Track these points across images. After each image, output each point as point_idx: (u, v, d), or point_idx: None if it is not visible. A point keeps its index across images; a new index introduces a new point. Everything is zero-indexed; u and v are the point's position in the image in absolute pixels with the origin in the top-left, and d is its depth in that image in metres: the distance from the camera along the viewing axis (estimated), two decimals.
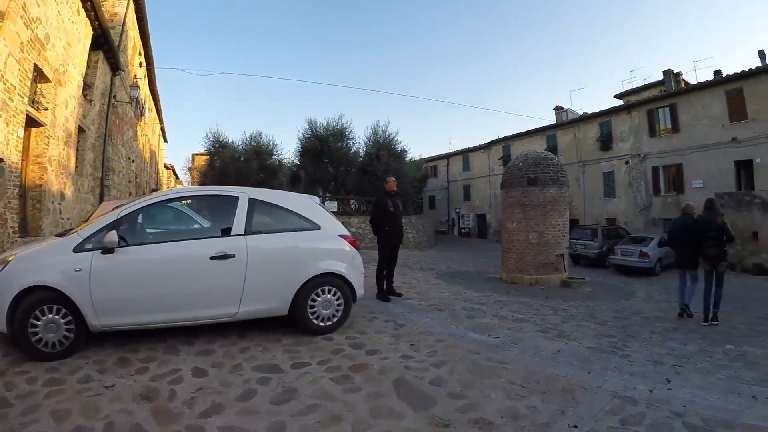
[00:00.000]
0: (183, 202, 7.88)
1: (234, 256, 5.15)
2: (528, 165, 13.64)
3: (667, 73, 28.00)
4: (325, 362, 4.78)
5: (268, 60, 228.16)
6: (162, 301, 4.89)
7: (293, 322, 5.66)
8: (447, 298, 9.39)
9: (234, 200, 5.48)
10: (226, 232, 5.32)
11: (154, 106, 29.52)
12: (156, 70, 23.57)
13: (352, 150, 28.81)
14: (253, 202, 5.53)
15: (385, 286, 8.58)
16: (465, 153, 41.34)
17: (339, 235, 6.02)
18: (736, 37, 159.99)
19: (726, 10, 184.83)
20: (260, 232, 5.46)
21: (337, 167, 27.28)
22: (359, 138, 29.62)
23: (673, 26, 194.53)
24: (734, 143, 21.74)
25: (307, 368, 4.60)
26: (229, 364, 4.63)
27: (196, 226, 7.84)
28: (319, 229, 5.85)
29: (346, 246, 6.03)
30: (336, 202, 25.49)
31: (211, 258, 5.06)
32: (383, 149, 27.67)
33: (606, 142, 27.92)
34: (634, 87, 31.31)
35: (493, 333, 6.44)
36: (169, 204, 6.21)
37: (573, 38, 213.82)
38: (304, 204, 6.03)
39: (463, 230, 40.85)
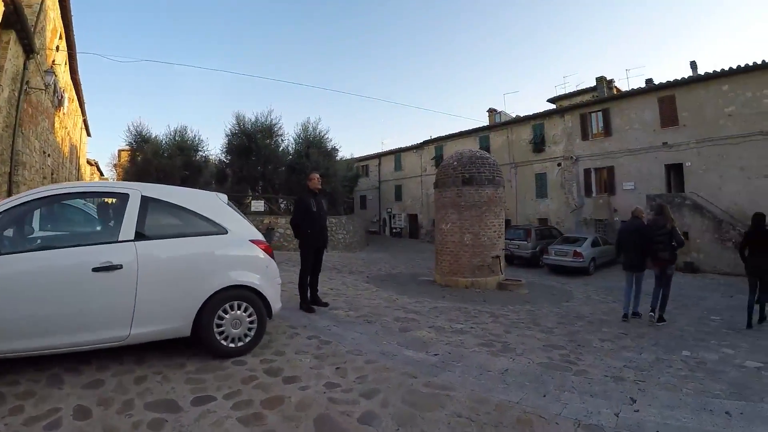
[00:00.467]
0: (87, 201, 6.78)
1: (121, 266, 4.20)
2: (463, 164, 13.13)
3: (600, 79, 28.49)
4: (233, 395, 3.95)
5: (196, 51, 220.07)
6: (35, 324, 3.89)
7: (200, 343, 4.77)
8: (378, 307, 8.66)
9: (124, 198, 4.50)
10: (114, 237, 4.36)
11: (75, 96, 27.06)
12: (78, 57, 21.44)
13: (281, 147, 27.59)
14: (146, 201, 4.57)
15: (309, 295, 7.76)
16: (397, 153, 40.81)
17: (250, 240, 5.14)
18: (668, 48, 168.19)
19: (658, 22, 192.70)
20: (154, 238, 4.53)
21: (265, 165, 25.94)
22: (289, 135, 28.60)
23: (607, 36, 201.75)
24: (665, 147, 22.35)
25: (211, 404, 3.75)
26: (119, 400, 3.73)
27: (84, 229, 6.70)
28: (226, 233, 4.95)
29: (259, 253, 5.16)
30: (263, 202, 24.31)
31: (94, 270, 4.10)
32: (313, 147, 26.63)
33: (539, 144, 28.11)
34: (566, 92, 31.87)
35: (431, 349, 5.77)
36: (63, 202, 5.18)
37: (508, 41, 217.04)
38: (209, 203, 5.11)
39: (394, 230, 40.30)
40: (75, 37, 20.21)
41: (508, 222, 26.44)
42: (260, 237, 5.32)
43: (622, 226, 9.71)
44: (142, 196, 4.57)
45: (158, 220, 4.73)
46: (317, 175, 8.14)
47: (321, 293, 8.41)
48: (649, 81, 25.41)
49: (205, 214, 4.91)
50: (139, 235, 4.41)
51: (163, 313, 4.44)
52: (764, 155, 19.43)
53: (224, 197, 5.35)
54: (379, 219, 42.69)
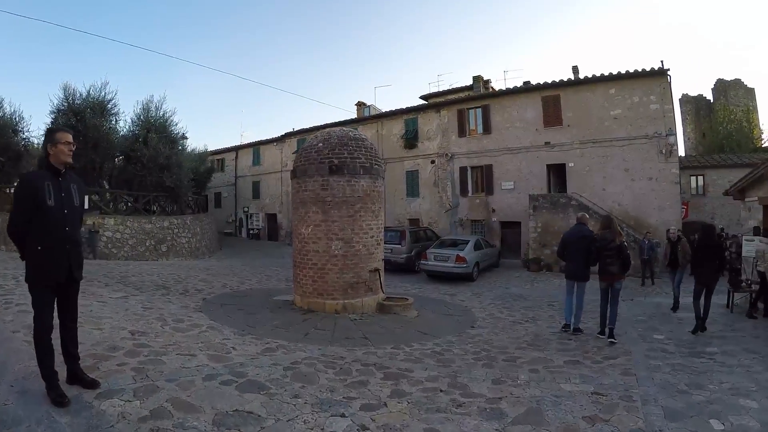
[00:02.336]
0: None
1: None
2: (331, 146, 9.34)
3: (477, 78, 26.21)
4: None
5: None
6: None
7: None
8: (193, 378, 4.52)
9: None
10: None
11: None
12: None
13: (118, 130, 21.30)
14: None
15: (68, 369, 3.87)
16: (256, 146, 35.68)
17: None
18: (549, 53, 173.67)
19: (537, 28, 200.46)
20: None
21: (95, 150, 19.80)
22: (126, 114, 22.70)
23: (486, 38, 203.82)
24: (547, 147, 20.78)
25: None
26: None
27: None
28: None
29: None
30: (87, 197, 18.51)
31: None
32: (155, 131, 21.03)
33: (411, 139, 25.21)
34: (440, 90, 29.41)
35: None
36: None
37: (380, 35, 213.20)
38: None
39: (252, 232, 35.16)
40: None
41: None
42: None
43: (567, 232, 8.92)
44: None
45: None
46: (68, 137, 3.83)
47: (107, 346, 4.72)
48: (527, 83, 23.46)
49: None
50: None
51: None
52: (648, 158, 18.84)
53: None
54: (235, 219, 37.22)
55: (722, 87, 34.30)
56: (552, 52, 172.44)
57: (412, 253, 18.02)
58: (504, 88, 22.85)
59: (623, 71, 19.16)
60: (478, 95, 23.97)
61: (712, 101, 33.39)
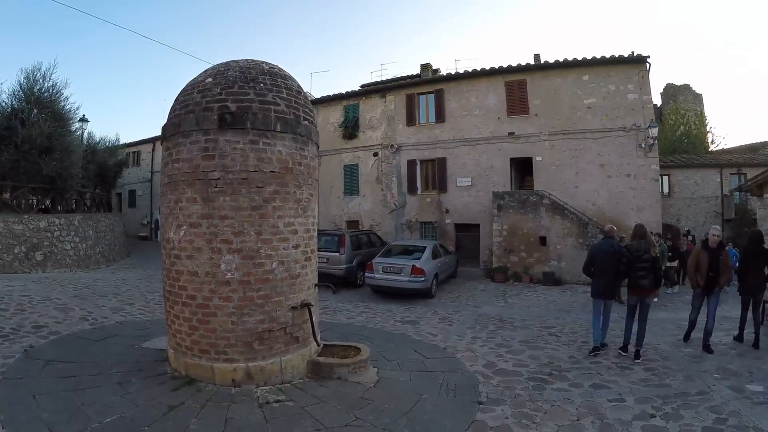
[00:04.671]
0: None
1: None
2: (227, 82, 4.94)
3: (425, 66, 22.03)
4: None
5: None
6: None
7: None
8: None
9: None
10: None
11: None
12: None
13: None
14: None
15: None
16: None
17: None
18: (510, 41, 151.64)
19: (490, 18, 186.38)
20: None
21: None
22: (5, 84, 17.04)
23: (437, 24, 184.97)
24: (512, 138, 17.06)
25: None
26: None
27: None
28: None
29: None
30: None
31: None
32: (38, 105, 15.58)
33: (351, 129, 20.86)
34: (384, 78, 25.00)
35: None
36: None
37: (320, 17, 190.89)
38: None
39: None
40: None
41: None
42: None
43: (594, 246, 7.74)
44: None
45: None
46: None
47: None
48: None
49: None
50: None
51: None
52: (626, 152, 15.91)
53: None
54: (151, 220, 30.77)
55: (672, 91, 32.65)
56: (512, 40, 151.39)
57: (354, 263, 13.70)
58: (461, 71, 18.96)
59: (598, 56, 15.87)
60: (430, 78, 19.89)
61: (660, 105, 31.65)
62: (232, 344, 4.68)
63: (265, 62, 5.48)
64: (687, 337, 7.43)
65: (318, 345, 5.32)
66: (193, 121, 4.83)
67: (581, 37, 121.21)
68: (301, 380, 5.00)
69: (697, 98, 32.53)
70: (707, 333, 6.94)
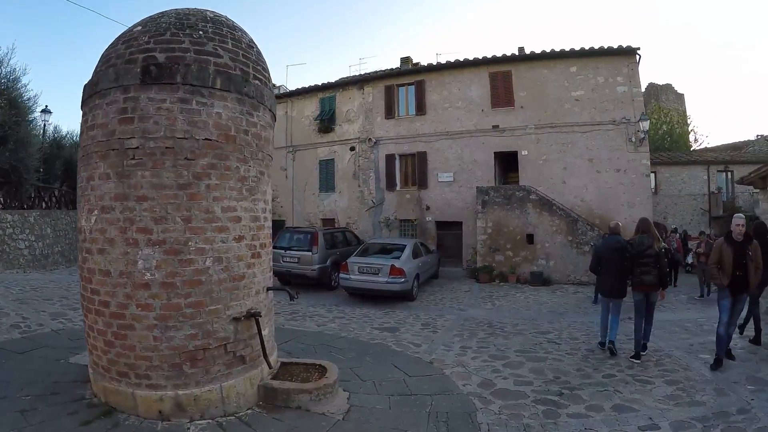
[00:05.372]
0: None
1: None
2: (158, 30, 3.80)
3: (406, 60, 20.84)
4: None
5: None
6: None
7: None
8: None
9: None
10: None
11: None
12: None
13: None
14: None
15: None
16: None
17: None
18: (496, 34, 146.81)
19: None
20: None
21: None
22: None
23: (416, 18, 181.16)
24: (496, 132, 16.00)
25: None
26: None
27: None
28: None
29: None
30: None
31: None
32: None
33: (327, 122, 19.61)
34: (363, 72, 23.81)
35: None
36: None
37: (296, 7, 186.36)
38: None
39: None
40: None
41: (281, 224, 18.07)
42: None
43: (600, 243, 7.90)
44: None
45: None
46: None
47: None
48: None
49: None
50: None
51: None
52: (616, 146, 14.81)
53: None
54: None
55: (654, 91, 32.15)
56: (499, 33, 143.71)
57: (328, 263, 12.46)
58: (444, 62, 17.92)
59: (587, 47, 15.01)
60: (410, 69, 18.72)
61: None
62: (155, 366, 3.53)
63: (211, 10, 4.33)
64: (726, 355, 5.83)
65: (271, 367, 4.17)
66: (112, 76, 3.68)
67: (568, 32, 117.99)
68: (249, 411, 3.86)
69: (679, 98, 32.29)
70: (729, 338, 5.89)
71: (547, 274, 13.40)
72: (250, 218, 3.89)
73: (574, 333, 7.66)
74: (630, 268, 6.39)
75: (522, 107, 15.70)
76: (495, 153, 15.99)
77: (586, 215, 14.26)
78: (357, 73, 23.75)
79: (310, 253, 12.21)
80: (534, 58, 15.87)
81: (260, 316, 3.88)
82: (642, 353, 6.20)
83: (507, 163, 16.56)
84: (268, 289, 4.23)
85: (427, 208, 16.90)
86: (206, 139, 3.64)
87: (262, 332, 3.88)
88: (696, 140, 29.47)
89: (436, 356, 6.15)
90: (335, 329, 7.77)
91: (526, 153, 15.54)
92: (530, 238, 13.81)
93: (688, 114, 31.41)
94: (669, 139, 27.30)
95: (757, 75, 77.66)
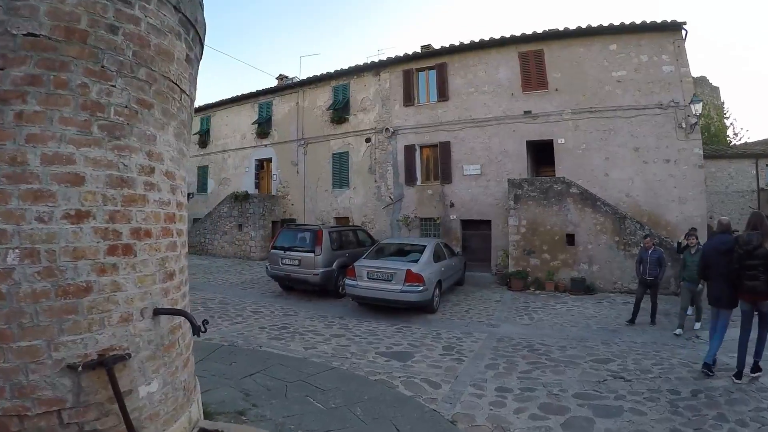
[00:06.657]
0: None
1: None
2: None
3: (426, 48, 18.99)
4: None
5: None
6: None
7: None
8: None
9: None
10: None
11: None
12: None
13: None
14: None
15: None
16: None
17: None
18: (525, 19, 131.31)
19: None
20: None
21: None
22: None
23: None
24: (528, 118, 14.07)
25: None
26: None
27: None
28: None
29: None
30: None
31: None
32: None
33: (341, 111, 17.98)
34: (381, 59, 22.17)
35: None
36: None
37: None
38: None
39: None
40: None
41: (290, 222, 16.72)
42: None
43: (706, 245, 6.38)
44: None
45: None
46: None
47: None
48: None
49: None
50: None
51: None
52: (664, 133, 12.75)
53: None
54: None
55: None
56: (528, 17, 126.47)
57: (334, 266, 10.67)
58: (467, 42, 16.06)
59: (627, 22, 13.00)
60: (430, 52, 16.71)
61: None
62: None
63: None
64: None
65: (199, 414, 2.40)
66: None
67: (601, 7, 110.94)
68: None
69: (715, 91, 29.55)
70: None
71: (590, 280, 11.35)
72: (106, 180, 2.14)
73: (642, 362, 5.77)
74: (738, 271, 5.32)
75: (557, 90, 13.71)
76: (527, 142, 14.03)
77: (632, 212, 12.18)
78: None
79: (312, 255, 10.41)
80: (568, 35, 13.87)
81: (126, 359, 2.13)
82: (753, 374, 5.22)
83: (541, 154, 14.65)
84: (158, 311, 2.48)
85: (451, 205, 15.01)
86: (29, 34, 1.92)
87: (138, 392, 2.12)
88: (735, 134, 27.07)
89: (462, 408, 4.34)
90: (327, 355, 6.00)
91: (563, 141, 13.54)
92: (570, 239, 11.78)
93: (725, 107, 28.89)
94: (706, 134, 25.08)
95: None
